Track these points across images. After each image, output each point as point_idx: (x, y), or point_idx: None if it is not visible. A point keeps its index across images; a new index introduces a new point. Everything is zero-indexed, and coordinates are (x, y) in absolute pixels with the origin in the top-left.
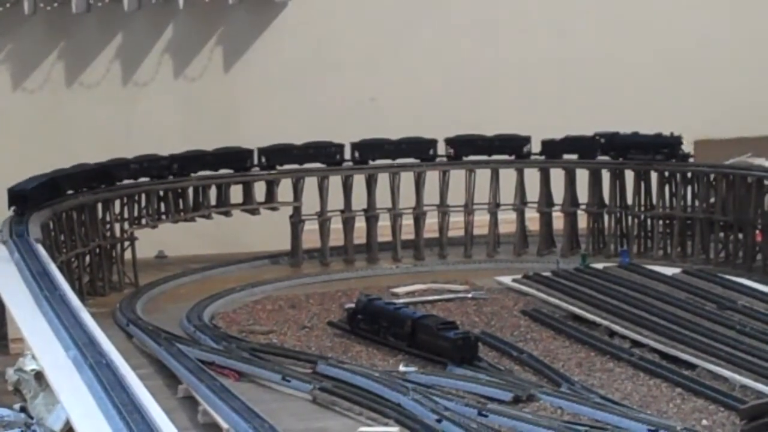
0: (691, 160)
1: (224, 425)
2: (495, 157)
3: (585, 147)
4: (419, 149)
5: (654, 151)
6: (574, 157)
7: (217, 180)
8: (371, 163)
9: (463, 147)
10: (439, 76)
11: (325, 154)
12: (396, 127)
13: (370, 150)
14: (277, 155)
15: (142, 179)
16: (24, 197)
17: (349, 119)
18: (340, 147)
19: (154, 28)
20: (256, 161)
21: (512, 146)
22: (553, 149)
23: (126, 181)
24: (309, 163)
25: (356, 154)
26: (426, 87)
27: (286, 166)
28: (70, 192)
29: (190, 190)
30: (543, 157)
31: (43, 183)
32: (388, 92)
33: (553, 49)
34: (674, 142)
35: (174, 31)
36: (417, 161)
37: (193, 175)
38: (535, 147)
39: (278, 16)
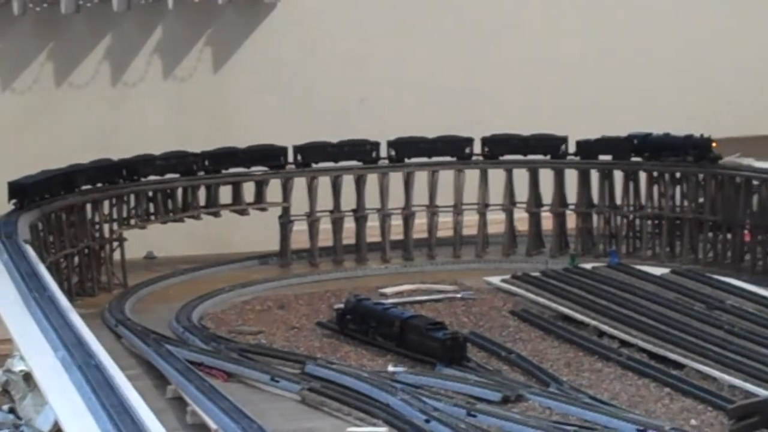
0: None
1: (213, 426)
2: (475, 158)
3: (619, 148)
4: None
5: (684, 152)
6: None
7: (207, 180)
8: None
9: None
10: (430, 76)
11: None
12: (388, 128)
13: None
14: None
15: (169, 175)
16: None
17: (340, 120)
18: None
19: (143, 29)
20: (291, 159)
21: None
22: (588, 150)
23: (151, 178)
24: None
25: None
26: (417, 88)
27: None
28: (87, 187)
29: (179, 191)
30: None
31: (55, 176)
32: (379, 93)
33: (547, 48)
34: (704, 143)
35: (163, 32)
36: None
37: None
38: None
39: (268, 17)
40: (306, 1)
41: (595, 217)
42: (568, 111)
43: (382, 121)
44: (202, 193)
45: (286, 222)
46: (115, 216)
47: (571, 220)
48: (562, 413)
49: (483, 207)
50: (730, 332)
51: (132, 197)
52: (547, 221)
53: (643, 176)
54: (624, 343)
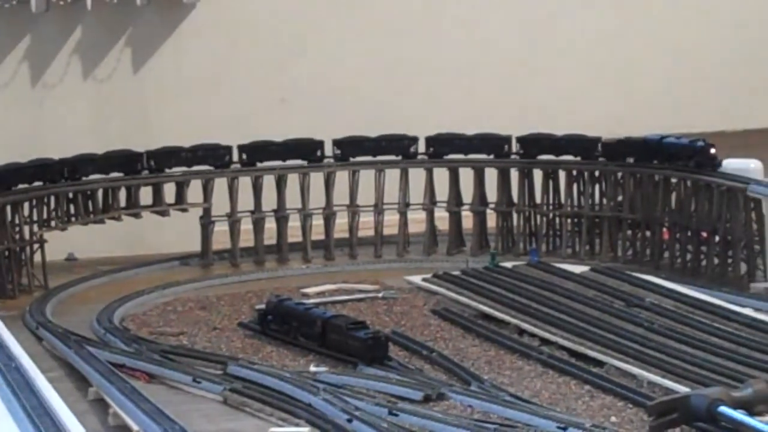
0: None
1: (135, 427)
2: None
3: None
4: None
5: (687, 158)
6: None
7: (127, 182)
8: (263, 164)
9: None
10: (349, 76)
11: (213, 156)
12: (307, 127)
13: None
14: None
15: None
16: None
17: (260, 120)
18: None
19: (62, 30)
20: (329, 152)
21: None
22: (613, 152)
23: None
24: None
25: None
26: (336, 87)
27: (195, 168)
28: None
29: (100, 192)
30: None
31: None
32: (299, 93)
33: (463, 46)
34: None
35: (83, 33)
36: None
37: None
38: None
39: (187, 17)
40: (225, 1)
41: (515, 216)
42: (505, 110)
43: (303, 120)
44: (122, 194)
45: (207, 223)
46: (35, 218)
47: (492, 219)
48: (484, 411)
49: (404, 206)
50: (650, 329)
51: (52, 199)
52: (468, 220)
53: (562, 175)
54: (544, 341)
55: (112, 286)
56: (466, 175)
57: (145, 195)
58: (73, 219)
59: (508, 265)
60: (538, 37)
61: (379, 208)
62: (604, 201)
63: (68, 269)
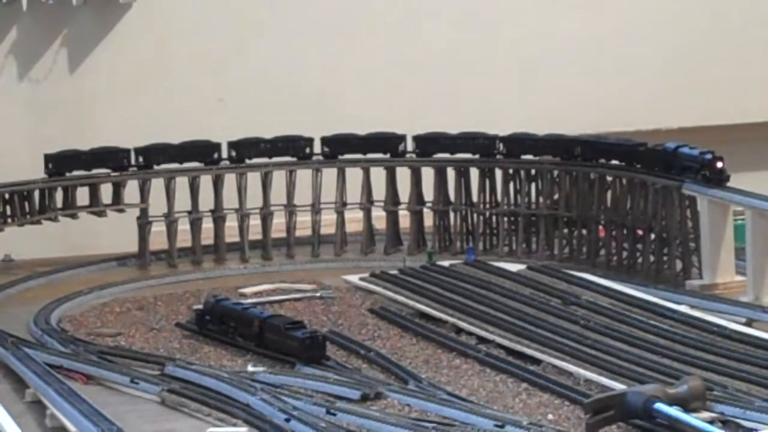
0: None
1: (72, 429)
2: (343, 157)
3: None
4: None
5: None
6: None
7: (64, 182)
8: (199, 164)
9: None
10: (287, 76)
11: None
12: (243, 126)
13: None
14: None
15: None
16: None
17: (197, 120)
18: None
19: None
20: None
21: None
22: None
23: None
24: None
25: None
26: (274, 87)
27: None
28: None
29: (36, 193)
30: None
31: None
32: (236, 92)
33: (404, 47)
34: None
35: (18, 33)
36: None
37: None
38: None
39: (123, 17)
40: (161, 1)
41: (452, 215)
42: (406, 109)
43: (240, 120)
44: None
45: (144, 223)
46: None
47: (429, 218)
48: (421, 410)
49: (341, 206)
50: (586, 327)
51: None
52: (405, 219)
53: (498, 173)
54: (482, 340)
55: (49, 288)
56: (403, 175)
57: (82, 195)
58: (9, 220)
59: (445, 263)
60: (481, 37)
61: (316, 208)
62: (541, 199)
63: (5, 271)
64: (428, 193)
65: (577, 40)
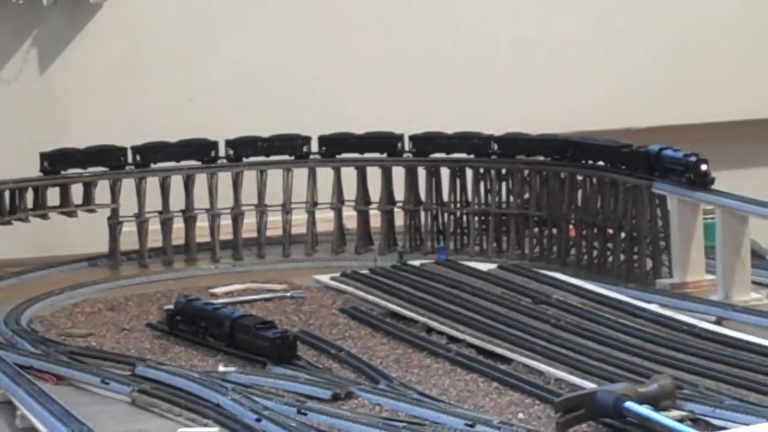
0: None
1: (43, 429)
2: (313, 157)
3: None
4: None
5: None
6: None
7: (34, 183)
8: (167, 164)
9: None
10: (258, 75)
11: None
12: (215, 127)
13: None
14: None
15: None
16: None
17: (168, 120)
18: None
19: None
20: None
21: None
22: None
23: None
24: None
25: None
26: (245, 86)
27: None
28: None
29: (6, 194)
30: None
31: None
32: (207, 92)
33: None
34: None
35: None
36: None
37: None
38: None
39: (94, 17)
40: (132, 1)
41: (422, 214)
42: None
43: (214, 120)
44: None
45: (115, 223)
46: None
47: (399, 218)
48: (392, 410)
49: (312, 206)
50: (556, 326)
51: None
52: (376, 219)
53: (469, 173)
54: (452, 339)
55: (19, 288)
56: (374, 174)
57: (53, 196)
58: None
59: (416, 263)
60: (470, 37)
61: (287, 208)
62: (511, 199)
63: None
64: (399, 193)
65: (567, 41)
